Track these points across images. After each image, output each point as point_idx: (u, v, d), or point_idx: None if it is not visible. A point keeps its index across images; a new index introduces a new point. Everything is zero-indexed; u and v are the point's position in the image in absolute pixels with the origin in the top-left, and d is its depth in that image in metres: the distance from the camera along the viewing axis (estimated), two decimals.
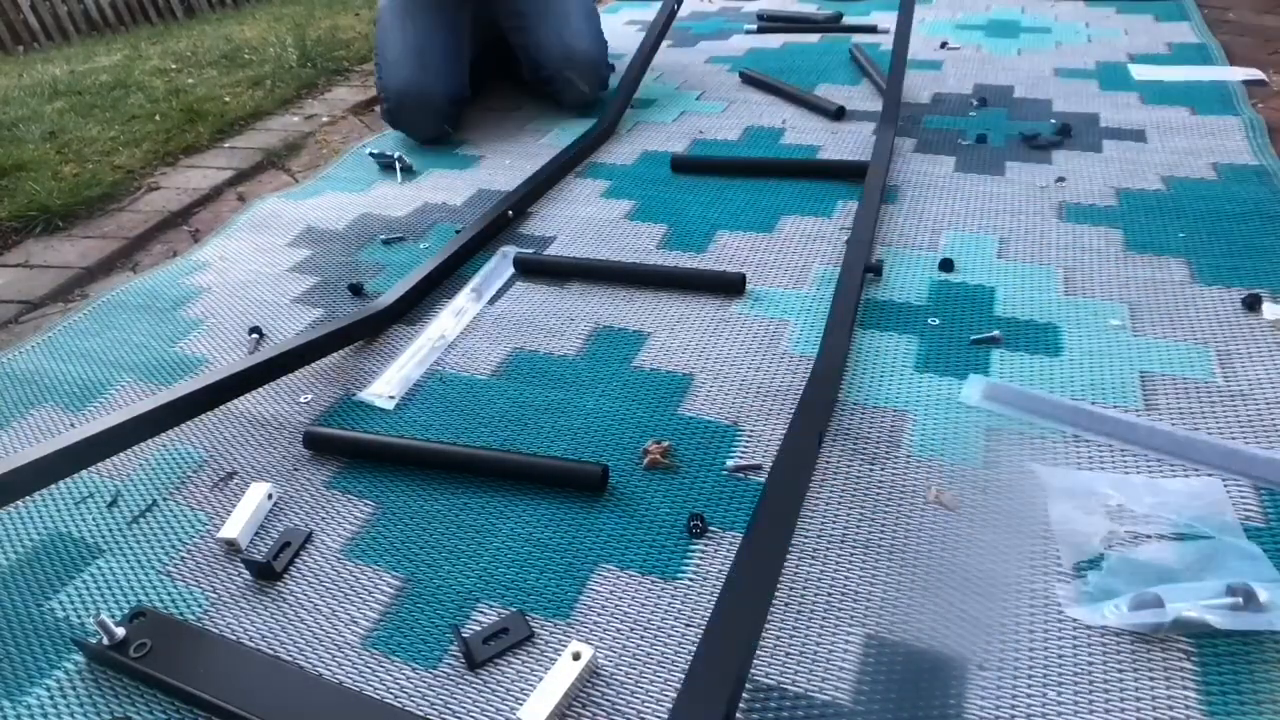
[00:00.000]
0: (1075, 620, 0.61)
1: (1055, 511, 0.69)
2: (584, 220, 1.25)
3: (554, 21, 1.51)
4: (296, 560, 0.72)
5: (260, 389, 0.91)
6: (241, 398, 0.89)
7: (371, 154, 1.49)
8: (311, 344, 0.92)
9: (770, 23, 2.10)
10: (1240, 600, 0.58)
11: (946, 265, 1.03)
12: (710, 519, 0.72)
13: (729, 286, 1.03)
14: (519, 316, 1.03)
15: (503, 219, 1.22)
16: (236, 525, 0.73)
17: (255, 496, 0.76)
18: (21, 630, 0.68)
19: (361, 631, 0.65)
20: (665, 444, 0.79)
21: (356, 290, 1.11)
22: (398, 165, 1.46)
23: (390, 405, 0.89)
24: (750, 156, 1.39)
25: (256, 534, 0.74)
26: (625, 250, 1.15)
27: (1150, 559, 0.64)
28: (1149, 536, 0.66)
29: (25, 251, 1.36)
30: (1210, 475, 0.71)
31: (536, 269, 1.12)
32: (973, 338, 0.89)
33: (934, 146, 1.37)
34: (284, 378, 0.92)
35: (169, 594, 0.70)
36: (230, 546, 0.72)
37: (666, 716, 0.56)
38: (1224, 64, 1.62)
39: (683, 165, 1.36)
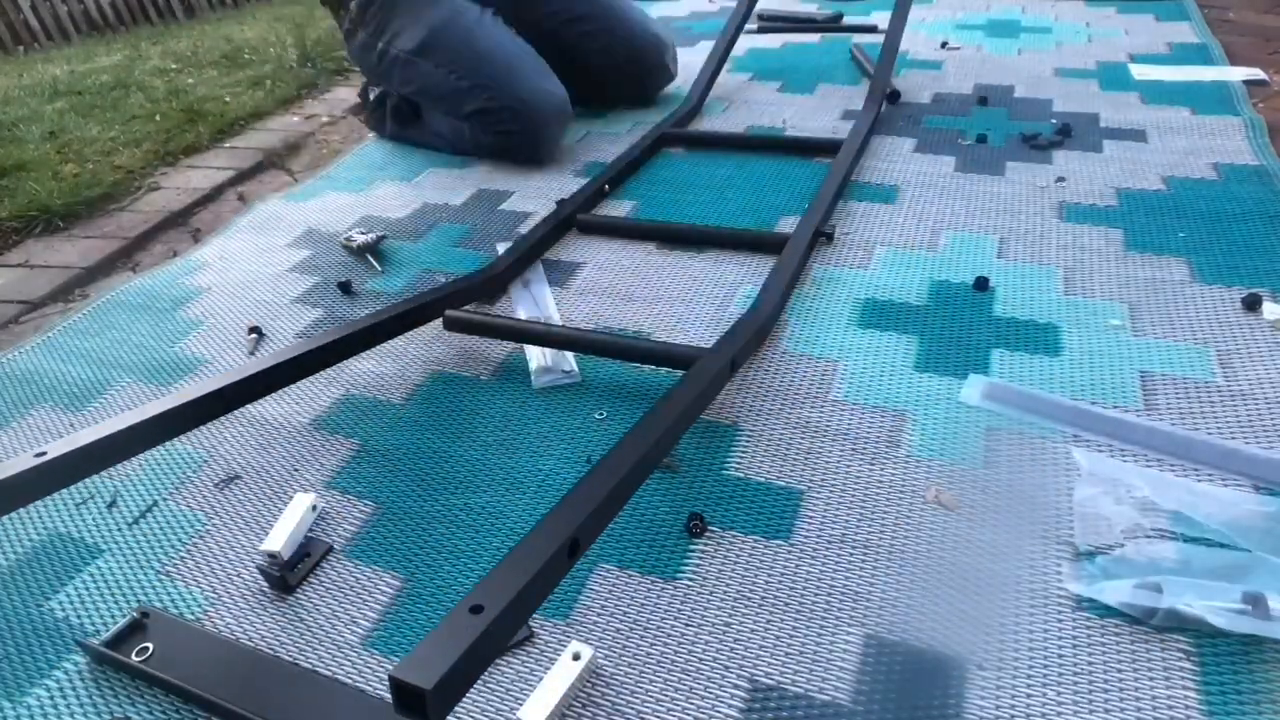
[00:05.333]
0: (1070, 591, 0.62)
1: (1081, 493, 0.69)
2: None
3: (627, 20, 1.45)
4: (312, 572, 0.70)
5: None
6: None
7: (344, 244, 1.20)
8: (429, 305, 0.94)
9: (770, 23, 2.10)
10: (1249, 606, 0.58)
11: (981, 284, 0.99)
12: (710, 519, 0.72)
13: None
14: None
15: (600, 193, 1.28)
16: (279, 538, 0.70)
17: (299, 508, 0.73)
18: (21, 630, 0.68)
19: (361, 631, 0.65)
20: None
21: (345, 288, 1.11)
22: (369, 257, 1.18)
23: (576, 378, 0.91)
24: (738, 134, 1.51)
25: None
26: (625, 250, 1.15)
27: (1167, 557, 0.64)
28: (1173, 535, 0.66)
29: (25, 251, 1.36)
30: (1243, 488, 0.70)
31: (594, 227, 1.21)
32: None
33: (934, 146, 1.37)
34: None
35: (169, 594, 0.70)
36: (272, 559, 0.70)
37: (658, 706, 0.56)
38: (1224, 64, 1.62)
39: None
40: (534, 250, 1.12)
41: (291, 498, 0.75)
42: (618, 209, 1.27)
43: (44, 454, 0.62)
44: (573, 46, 1.52)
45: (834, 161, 1.26)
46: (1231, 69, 1.58)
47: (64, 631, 0.67)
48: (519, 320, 0.99)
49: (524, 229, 1.24)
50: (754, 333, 0.86)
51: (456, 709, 0.59)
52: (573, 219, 1.20)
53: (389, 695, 0.60)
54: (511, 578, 0.48)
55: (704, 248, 1.14)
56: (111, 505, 0.79)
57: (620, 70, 1.55)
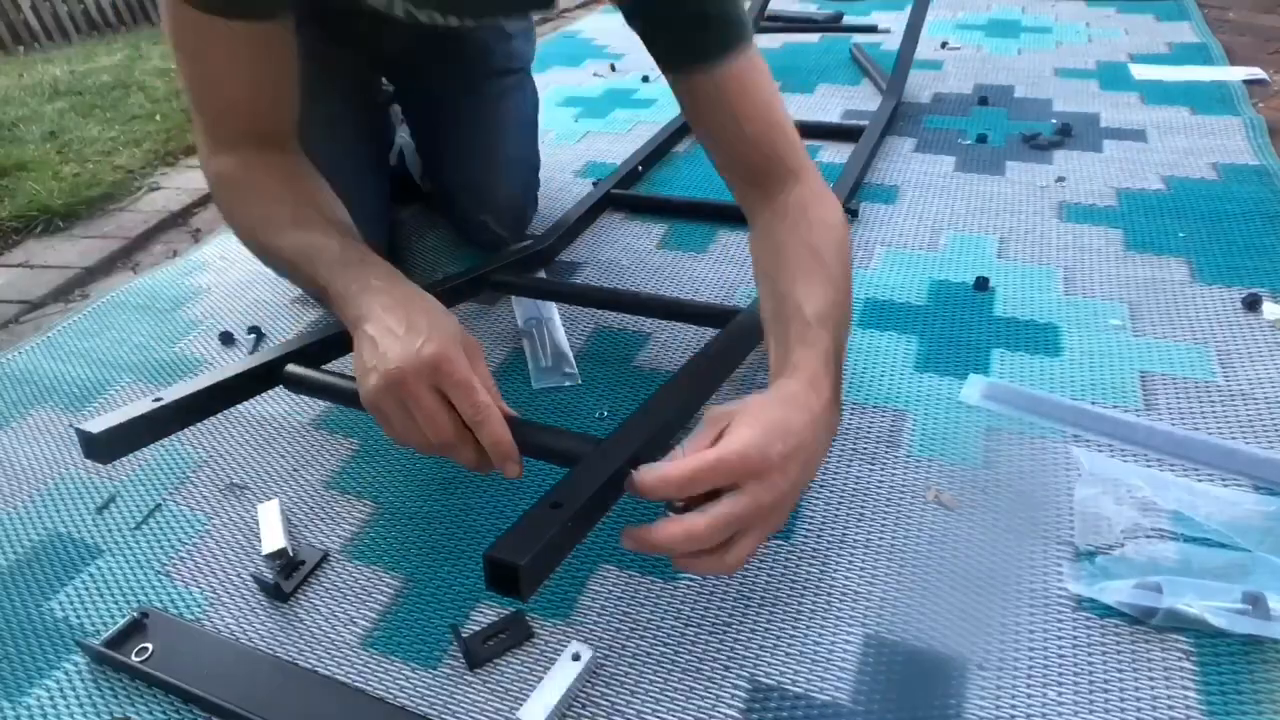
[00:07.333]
0: (1070, 591, 0.62)
1: (1081, 493, 0.69)
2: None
3: (481, 152, 1.09)
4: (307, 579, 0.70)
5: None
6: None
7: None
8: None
9: (770, 22, 2.10)
10: (1249, 606, 0.58)
11: (981, 284, 0.99)
12: None
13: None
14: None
15: (633, 174, 1.34)
16: (277, 539, 0.71)
17: (271, 513, 0.75)
18: (21, 630, 0.68)
19: (361, 631, 0.65)
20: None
21: (226, 340, 1.02)
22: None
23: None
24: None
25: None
26: (625, 250, 1.15)
27: (1167, 557, 0.64)
28: (1173, 535, 0.66)
29: (25, 251, 1.36)
30: (1243, 488, 0.70)
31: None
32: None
33: (934, 146, 1.37)
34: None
35: (168, 594, 0.70)
36: (278, 556, 0.70)
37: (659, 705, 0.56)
38: (1224, 64, 1.62)
39: None
40: (573, 230, 1.17)
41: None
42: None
43: (160, 399, 0.66)
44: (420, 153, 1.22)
45: (859, 141, 1.32)
46: (1231, 69, 1.58)
47: (64, 631, 0.67)
48: (549, 281, 1.07)
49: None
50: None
51: (456, 709, 0.59)
52: (609, 197, 1.26)
53: (388, 695, 0.60)
54: (587, 480, 0.55)
55: (717, 228, 1.17)
56: (106, 508, 0.79)
57: (457, 207, 1.16)
